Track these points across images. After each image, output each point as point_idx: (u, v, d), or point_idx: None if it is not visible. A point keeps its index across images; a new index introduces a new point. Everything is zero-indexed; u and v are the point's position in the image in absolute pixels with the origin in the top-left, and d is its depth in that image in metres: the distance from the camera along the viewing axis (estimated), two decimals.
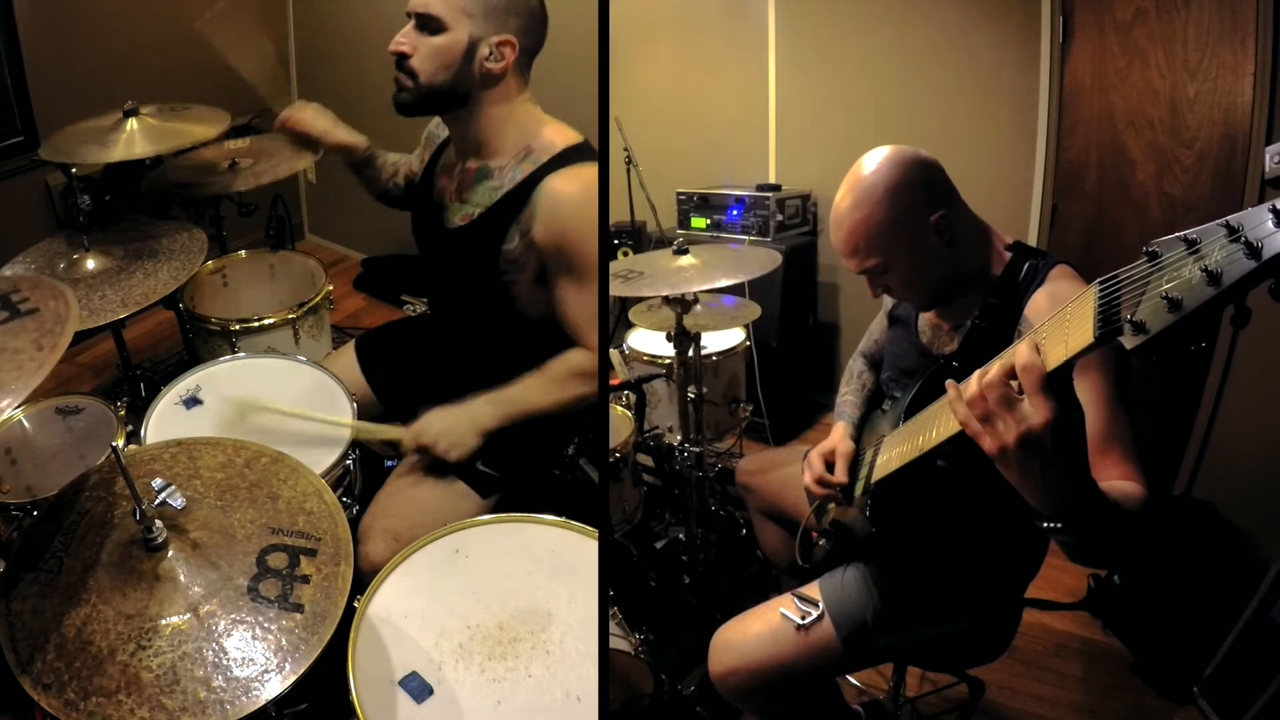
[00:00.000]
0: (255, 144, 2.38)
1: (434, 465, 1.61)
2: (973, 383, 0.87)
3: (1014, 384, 0.84)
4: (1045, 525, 0.92)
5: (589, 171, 1.48)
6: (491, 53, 1.45)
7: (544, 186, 1.47)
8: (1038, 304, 1.20)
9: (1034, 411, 0.82)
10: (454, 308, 1.81)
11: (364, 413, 1.72)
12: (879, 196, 1.27)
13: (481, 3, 1.42)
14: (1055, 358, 0.80)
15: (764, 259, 2.04)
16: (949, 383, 0.91)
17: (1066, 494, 0.88)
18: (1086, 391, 1.13)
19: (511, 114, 1.53)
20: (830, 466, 1.46)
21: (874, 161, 1.30)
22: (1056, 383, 0.82)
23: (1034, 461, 0.85)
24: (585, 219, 1.45)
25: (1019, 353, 0.83)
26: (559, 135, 1.53)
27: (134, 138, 2.00)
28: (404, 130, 1.92)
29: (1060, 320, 0.80)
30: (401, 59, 1.46)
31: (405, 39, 1.46)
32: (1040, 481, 0.86)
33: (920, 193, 1.27)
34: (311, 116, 1.87)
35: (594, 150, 1.53)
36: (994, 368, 0.85)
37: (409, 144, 1.93)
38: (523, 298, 1.59)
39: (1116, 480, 1.09)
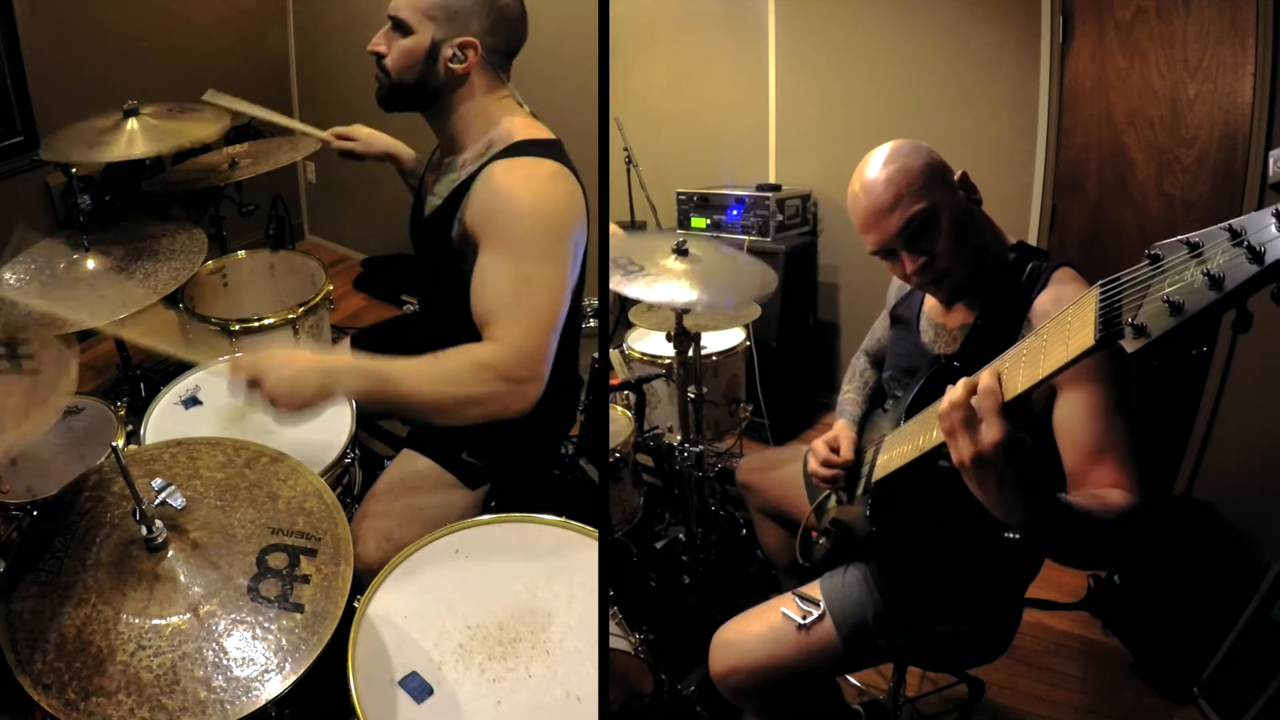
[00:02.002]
0: (254, 147, 2.39)
1: (423, 460, 1.61)
2: (944, 399, 0.91)
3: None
4: (1006, 535, 0.95)
5: (536, 163, 1.47)
6: (454, 54, 1.49)
7: (482, 172, 1.49)
8: (1043, 307, 1.21)
9: (987, 433, 0.86)
10: (429, 300, 1.84)
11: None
12: (907, 150, 1.28)
13: (443, 7, 1.47)
14: (1019, 383, 0.84)
15: (762, 277, 1.98)
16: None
17: (1023, 509, 0.91)
18: (1083, 397, 1.13)
19: (481, 112, 1.55)
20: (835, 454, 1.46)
21: (884, 147, 1.31)
22: (1014, 409, 0.86)
23: (989, 478, 0.89)
24: (513, 198, 1.43)
25: (981, 378, 0.88)
26: (523, 129, 1.54)
27: (134, 137, 2.00)
28: (402, 130, 1.93)
29: (1061, 322, 0.81)
30: (379, 58, 1.54)
31: (381, 39, 1.53)
32: (996, 496, 0.90)
33: (940, 156, 1.30)
34: (365, 134, 2.00)
35: (562, 149, 1.53)
36: (960, 388, 0.89)
37: (406, 141, 1.98)
38: None
39: (1106, 488, 1.09)
